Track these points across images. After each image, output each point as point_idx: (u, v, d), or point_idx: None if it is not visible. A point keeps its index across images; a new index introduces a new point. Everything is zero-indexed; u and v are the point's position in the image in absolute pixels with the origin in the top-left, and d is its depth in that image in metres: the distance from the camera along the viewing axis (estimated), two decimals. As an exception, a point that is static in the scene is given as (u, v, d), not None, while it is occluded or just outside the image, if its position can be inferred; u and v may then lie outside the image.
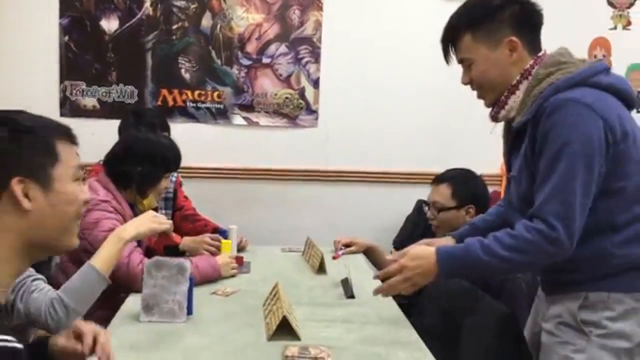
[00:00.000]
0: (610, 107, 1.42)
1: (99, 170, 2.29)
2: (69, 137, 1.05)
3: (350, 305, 1.92)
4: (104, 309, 1.77)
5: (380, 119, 3.50)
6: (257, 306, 1.84)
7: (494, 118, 1.60)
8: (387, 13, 3.47)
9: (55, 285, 1.67)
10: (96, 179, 2.17)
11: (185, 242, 2.47)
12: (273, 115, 3.49)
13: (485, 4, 1.55)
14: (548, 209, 1.39)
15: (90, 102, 3.41)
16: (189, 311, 1.75)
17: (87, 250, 1.82)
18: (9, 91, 3.29)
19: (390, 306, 1.92)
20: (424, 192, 2.49)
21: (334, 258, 2.51)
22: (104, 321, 1.58)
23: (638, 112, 3.59)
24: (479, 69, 1.56)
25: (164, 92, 3.43)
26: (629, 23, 3.56)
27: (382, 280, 1.60)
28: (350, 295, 1.99)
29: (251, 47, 3.44)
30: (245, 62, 3.44)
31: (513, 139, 1.56)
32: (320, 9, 3.44)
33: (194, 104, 3.45)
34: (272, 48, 3.45)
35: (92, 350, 1.16)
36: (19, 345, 0.85)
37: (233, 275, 2.20)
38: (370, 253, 2.61)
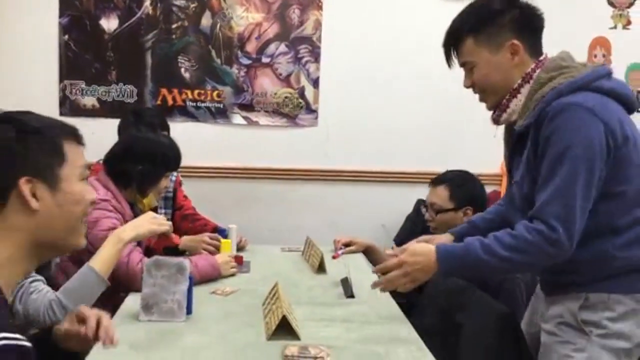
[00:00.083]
0: (612, 112, 1.43)
1: (99, 169, 2.29)
2: (76, 137, 1.07)
3: (350, 305, 1.92)
4: (104, 308, 1.76)
5: (380, 118, 3.50)
6: (256, 306, 1.84)
7: (496, 121, 1.61)
8: (387, 12, 3.47)
9: (55, 284, 1.67)
10: (96, 178, 2.17)
11: (185, 241, 2.47)
12: (273, 115, 3.49)
13: (487, 8, 1.56)
14: (549, 211, 1.40)
15: (89, 101, 3.41)
16: (189, 310, 1.74)
17: (87, 249, 1.81)
18: (9, 90, 3.29)
19: (390, 306, 1.92)
20: (423, 192, 2.49)
21: (334, 257, 2.51)
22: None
23: (638, 111, 3.60)
24: (480, 73, 1.56)
25: (164, 91, 3.43)
26: (629, 22, 3.56)
27: (381, 275, 1.60)
28: (350, 294, 1.99)
29: (251, 47, 3.44)
30: (245, 61, 3.44)
31: (515, 143, 1.57)
32: (320, 8, 3.43)
33: (194, 104, 3.44)
34: (272, 47, 3.45)
35: (96, 333, 1.17)
36: (28, 344, 0.86)
37: (232, 275, 2.19)
38: (369, 253, 2.61)
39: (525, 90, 1.51)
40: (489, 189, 3.39)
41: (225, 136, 3.48)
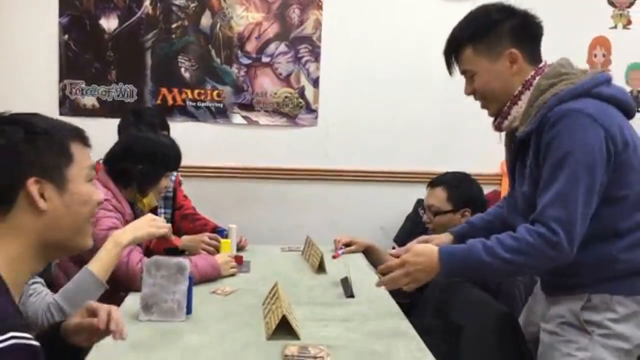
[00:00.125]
0: (612, 118, 1.45)
1: (99, 168, 2.29)
2: (82, 138, 1.08)
3: (349, 305, 1.92)
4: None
5: (380, 118, 3.50)
6: (256, 305, 1.84)
7: (498, 128, 1.63)
8: (387, 12, 3.47)
9: (56, 284, 1.67)
10: (96, 178, 2.16)
11: (184, 241, 2.47)
12: (273, 114, 3.49)
13: (486, 17, 1.58)
14: (550, 214, 1.42)
15: (89, 101, 3.40)
16: (188, 310, 1.74)
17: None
18: (9, 90, 3.29)
19: (390, 305, 1.92)
20: (423, 191, 2.49)
21: (334, 257, 2.51)
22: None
23: (638, 111, 3.60)
24: (481, 81, 1.59)
25: (164, 91, 3.43)
26: (629, 22, 3.56)
27: (384, 274, 1.61)
28: (349, 294, 1.99)
29: (251, 46, 3.44)
30: (245, 61, 3.44)
31: (516, 148, 1.59)
32: (320, 8, 3.43)
33: (194, 103, 3.44)
34: (272, 47, 3.45)
35: (107, 325, 1.18)
36: (37, 344, 0.86)
37: (232, 275, 2.19)
38: (369, 253, 2.61)
39: (525, 97, 1.54)
40: (489, 189, 3.40)
41: (225, 136, 3.48)
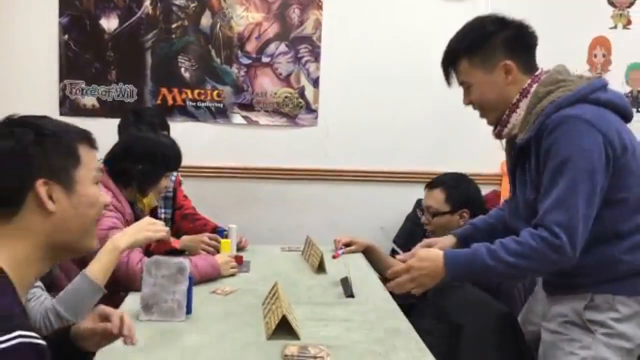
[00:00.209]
0: (609, 122, 1.48)
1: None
2: (89, 140, 1.09)
3: (349, 305, 1.92)
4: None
5: (380, 118, 3.50)
6: (256, 305, 1.84)
7: (498, 136, 1.66)
8: (387, 12, 3.47)
9: (57, 285, 1.66)
10: (96, 178, 2.17)
11: (184, 241, 2.47)
12: (273, 114, 3.49)
13: (480, 30, 1.61)
14: (551, 219, 1.44)
15: (89, 101, 3.40)
16: (189, 310, 1.75)
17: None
18: (9, 90, 3.29)
19: (390, 305, 1.92)
20: (424, 192, 2.50)
21: (334, 257, 2.51)
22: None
23: (638, 111, 3.60)
24: (477, 92, 1.63)
25: (164, 91, 3.43)
26: (629, 22, 3.56)
27: (391, 279, 1.63)
28: (349, 294, 1.99)
29: (251, 46, 3.44)
30: (245, 61, 3.44)
31: (516, 155, 1.61)
32: (320, 8, 3.43)
33: (194, 103, 3.44)
34: (272, 47, 3.44)
35: (119, 330, 1.20)
36: (44, 342, 0.86)
37: (232, 275, 2.19)
38: (369, 253, 2.62)
39: (523, 104, 1.56)
40: (489, 189, 3.40)
41: (225, 136, 3.48)
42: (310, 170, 3.52)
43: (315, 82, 3.47)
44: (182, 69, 3.42)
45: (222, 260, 2.17)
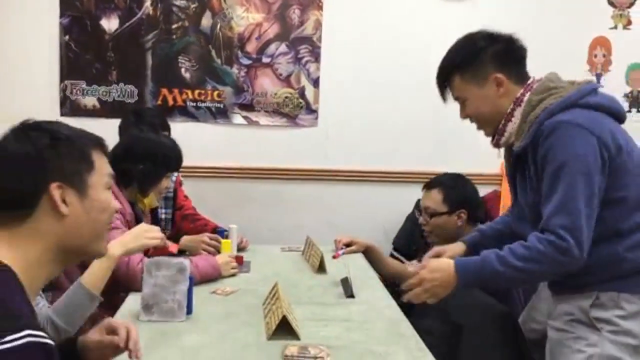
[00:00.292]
0: (602, 124, 1.51)
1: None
2: (102, 146, 1.12)
3: (350, 305, 1.93)
4: (104, 308, 1.77)
5: (380, 118, 3.50)
6: (256, 305, 1.84)
7: (496, 145, 1.70)
8: (387, 12, 3.47)
9: (59, 287, 1.66)
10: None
11: (184, 241, 2.47)
12: (273, 115, 3.49)
13: (470, 46, 1.66)
14: (555, 222, 1.47)
15: (90, 101, 3.41)
16: (189, 310, 1.75)
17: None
18: (10, 90, 3.29)
19: (390, 306, 1.93)
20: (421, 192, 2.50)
21: (334, 257, 2.51)
22: (104, 320, 1.57)
23: (638, 111, 3.60)
24: (472, 106, 1.67)
25: (164, 91, 3.43)
26: (630, 22, 3.56)
27: (406, 291, 1.66)
28: (350, 294, 2.00)
29: (251, 47, 3.44)
30: (245, 61, 3.45)
31: (514, 162, 1.65)
32: (320, 8, 3.44)
33: (194, 104, 3.45)
34: (272, 47, 3.45)
35: (125, 344, 1.22)
36: (52, 342, 0.87)
37: (233, 275, 2.20)
38: (369, 253, 2.62)
39: (518, 113, 1.60)
40: (489, 189, 3.41)
41: (226, 136, 3.48)
42: (311, 170, 3.52)
43: (316, 83, 3.48)
44: (183, 70, 3.42)
45: (222, 261, 2.17)
